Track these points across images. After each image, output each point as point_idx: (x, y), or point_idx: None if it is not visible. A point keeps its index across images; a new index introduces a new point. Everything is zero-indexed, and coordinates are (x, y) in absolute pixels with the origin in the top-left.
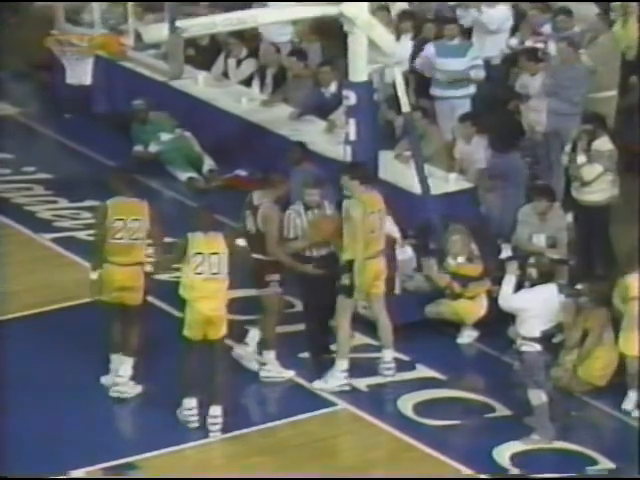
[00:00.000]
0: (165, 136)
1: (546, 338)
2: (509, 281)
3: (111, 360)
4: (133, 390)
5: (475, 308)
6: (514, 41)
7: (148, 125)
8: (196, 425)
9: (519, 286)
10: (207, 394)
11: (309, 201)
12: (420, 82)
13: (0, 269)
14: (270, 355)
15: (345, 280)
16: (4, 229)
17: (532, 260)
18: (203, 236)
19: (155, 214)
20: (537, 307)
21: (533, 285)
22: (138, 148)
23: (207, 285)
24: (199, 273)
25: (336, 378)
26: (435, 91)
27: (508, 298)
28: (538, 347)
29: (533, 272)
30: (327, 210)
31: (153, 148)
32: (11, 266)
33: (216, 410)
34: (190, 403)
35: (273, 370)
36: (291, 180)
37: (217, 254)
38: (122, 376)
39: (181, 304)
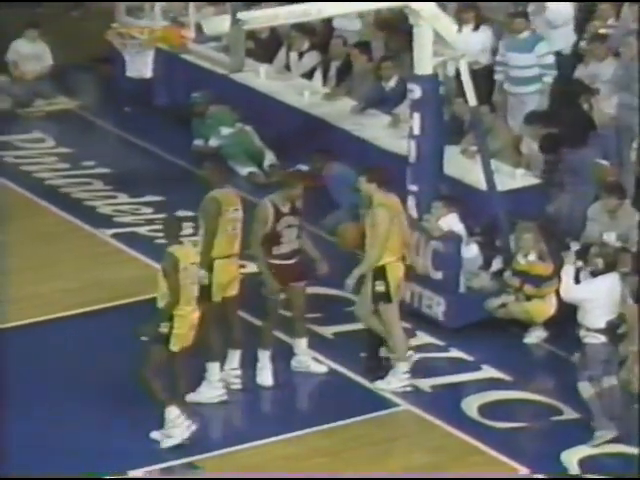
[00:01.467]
0: (225, 130)
1: (611, 329)
2: (568, 272)
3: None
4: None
5: (546, 307)
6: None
7: (208, 119)
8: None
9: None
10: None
11: None
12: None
13: (61, 265)
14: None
15: (380, 287)
16: (64, 225)
17: (596, 249)
18: (186, 248)
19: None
20: (601, 297)
21: (595, 275)
22: (198, 142)
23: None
24: (193, 282)
25: (398, 379)
26: (506, 86)
27: (571, 289)
28: (602, 338)
29: (598, 262)
30: None
31: (213, 142)
32: (72, 262)
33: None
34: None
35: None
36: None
37: (195, 264)
38: (236, 368)
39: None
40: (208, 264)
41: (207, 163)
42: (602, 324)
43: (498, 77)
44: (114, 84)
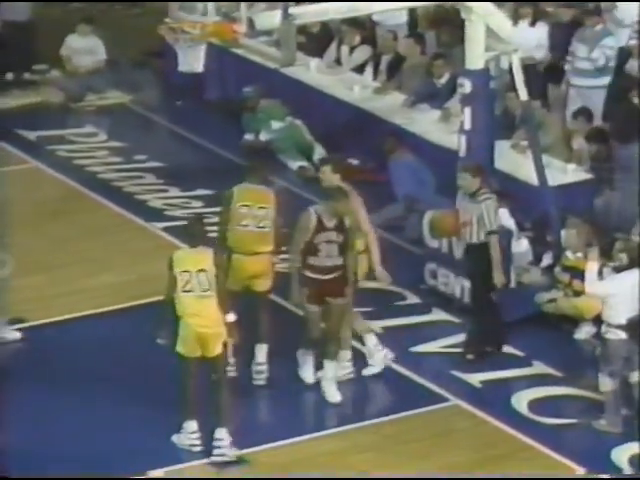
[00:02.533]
0: (276, 124)
1: (632, 326)
2: (592, 268)
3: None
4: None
5: (595, 303)
6: None
7: (259, 113)
8: (199, 449)
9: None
10: (210, 417)
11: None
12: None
13: (112, 259)
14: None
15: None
16: (116, 218)
17: (620, 245)
18: (190, 252)
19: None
20: (624, 293)
21: (619, 271)
22: (249, 136)
23: (197, 303)
24: (188, 291)
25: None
26: (573, 79)
27: (594, 285)
28: (623, 335)
29: (622, 257)
30: None
31: (264, 136)
32: (124, 255)
33: (220, 433)
34: (191, 426)
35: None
36: (390, 170)
37: (204, 272)
38: (261, 363)
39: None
40: (227, 255)
41: (250, 158)
42: (623, 320)
43: (567, 68)
44: (166, 78)
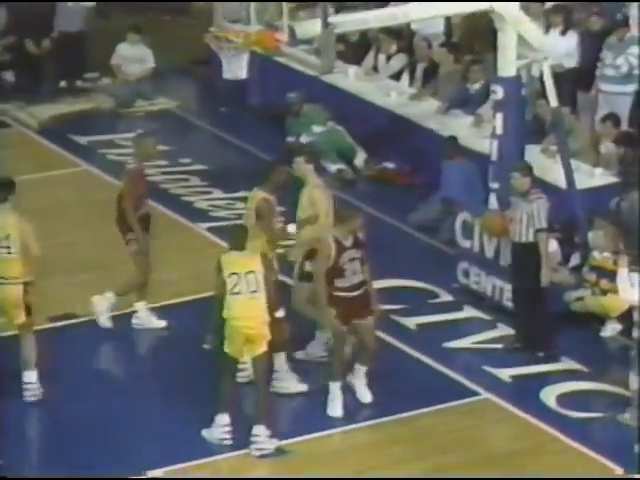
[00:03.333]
0: (317, 128)
1: None
2: (622, 274)
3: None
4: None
5: (620, 302)
6: None
7: (302, 117)
8: (229, 443)
9: None
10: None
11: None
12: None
13: (160, 257)
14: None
15: (309, 267)
16: (163, 219)
17: None
18: (238, 255)
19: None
20: None
21: None
22: (290, 139)
23: (245, 304)
24: (236, 293)
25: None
26: (601, 86)
27: (629, 291)
28: None
29: None
30: None
31: (304, 139)
32: (170, 254)
33: (258, 430)
34: (224, 420)
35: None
36: (444, 174)
37: (253, 272)
38: (278, 370)
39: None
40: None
41: (279, 165)
42: None
43: (597, 74)
44: (211, 85)
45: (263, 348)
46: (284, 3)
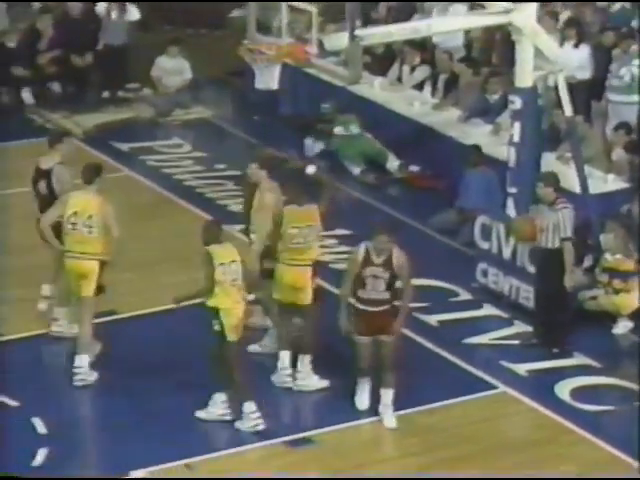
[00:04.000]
0: (355, 129)
1: None
2: None
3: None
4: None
5: (631, 301)
6: None
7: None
8: (230, 417)
9: None
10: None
11: None
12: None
13: (195, 257)
14: None
15: (268, 265)
16: (199, 221)
17: None
18: (222, 247)
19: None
20: None
21: None
22: (316, 145)
23: (233, 291)
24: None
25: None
26: (609, 96)
27: None
28: None
29: None
30: None
31: (332, 145)
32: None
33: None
34: (221, 397)
35: None
36: (465, 182)
37: (235, 262)
38: (301, 371)
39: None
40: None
41: (292, 181)
42: None
43: (606, 84)
44: (244, 95)
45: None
46: (314, 17)
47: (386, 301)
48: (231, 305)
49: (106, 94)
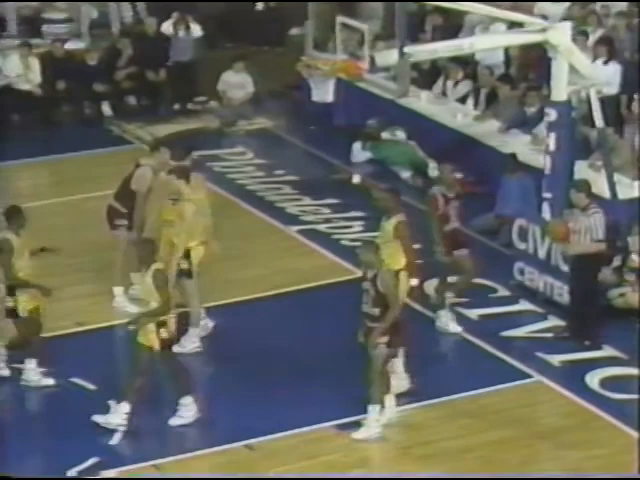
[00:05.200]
0: (400, 134)
1: None
2: None
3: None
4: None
5: None
6: None
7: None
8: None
9: None
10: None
11: None
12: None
13: (258, 255)
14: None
15: (184, 265)
16: (260, 222)
17: None
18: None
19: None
20: None
21: None
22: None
23: None
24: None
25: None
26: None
27: None
28: None
29: None
30: None
31: (381, 154)
32: (264, 253)
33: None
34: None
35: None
36: (503, 188)
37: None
38: (397, 371)
39: None
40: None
41: (379, 190)
42: None
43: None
44: (302, 107)
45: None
46: (365, 35)
47: (372, 316)
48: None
49: (177, 106)
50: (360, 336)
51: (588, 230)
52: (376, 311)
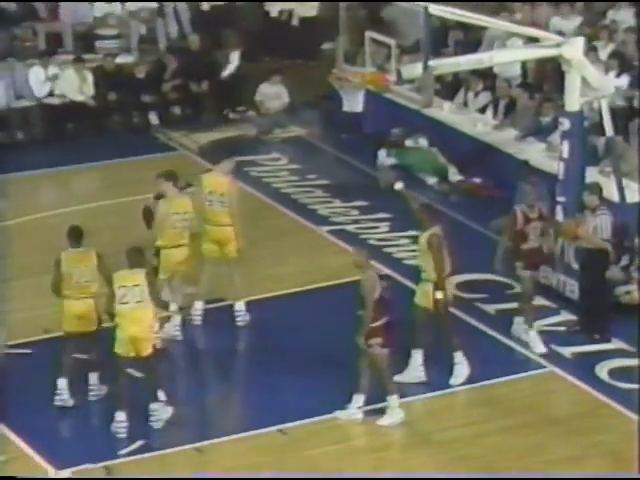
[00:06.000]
0: (423, 141)
1: None
2: None
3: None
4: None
5: None
6: None
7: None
8: (124, 436)
9: None
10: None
11: None
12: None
13: (292, 253)
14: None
15: (154, 262)
16: (294, 223)
17: None
18: (129, 272)
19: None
20: None
21: None
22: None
23: (133, 312)
24: (125, 303)
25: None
26: None
27: None
28: None
29: None
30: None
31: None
32: (297, 251)
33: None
34: (120, 416)
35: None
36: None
37: (138, 286)
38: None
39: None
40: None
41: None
42: None
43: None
44: (333, 116)
45: (149, 350)
46: (392, 50)
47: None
48: (125, 324)
49: (217, 116)
50: (356, 337)
51: (596, 229)
52: (362, 313)
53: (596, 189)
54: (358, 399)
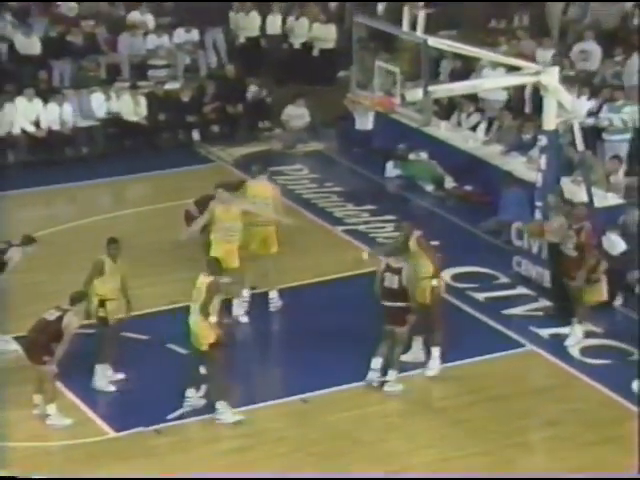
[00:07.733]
0: (423, 155)
1: None
2: None
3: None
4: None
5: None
6: None
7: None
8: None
9: None
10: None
11: None
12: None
13: (311, 249)
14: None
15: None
16: (313, 223)
17: None
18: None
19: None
20: None
21: None
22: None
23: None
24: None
25: None
26: (605, 136)
27: None
28: None
29: None
30: None
31: (407, 171)
32: (314, 248)
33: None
34: (190, 392)
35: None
36: (503, 199)
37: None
38: (414, 348)
39: None
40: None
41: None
42: None
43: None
44: (347, 134)
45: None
46: (398, 77)
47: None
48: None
49: (250, 133)
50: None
51: (560, 227)
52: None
53: (558, 192)
54: (377, 362)
